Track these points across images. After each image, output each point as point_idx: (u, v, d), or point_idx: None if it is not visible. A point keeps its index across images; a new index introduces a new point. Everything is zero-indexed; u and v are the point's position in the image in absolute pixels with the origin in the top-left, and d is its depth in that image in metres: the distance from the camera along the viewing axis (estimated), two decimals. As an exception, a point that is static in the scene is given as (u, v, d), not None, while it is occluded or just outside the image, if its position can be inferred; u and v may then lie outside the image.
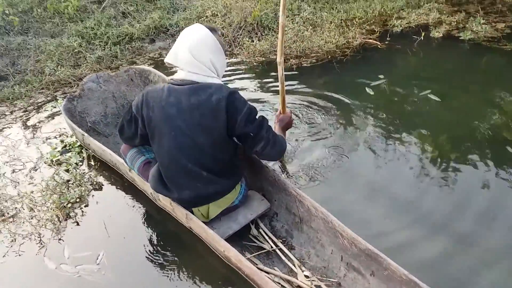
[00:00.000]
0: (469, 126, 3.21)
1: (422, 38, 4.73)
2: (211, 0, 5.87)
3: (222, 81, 2.15)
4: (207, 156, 2.11)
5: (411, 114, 3.43)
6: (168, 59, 2.10)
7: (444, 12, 5.39)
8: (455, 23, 5.01)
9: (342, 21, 5.35)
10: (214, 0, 5.83)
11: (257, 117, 2.13)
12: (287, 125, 2.61)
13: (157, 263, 2.33)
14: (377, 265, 1.98)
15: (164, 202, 2.45)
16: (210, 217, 2.31)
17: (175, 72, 2.13)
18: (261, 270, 2.12)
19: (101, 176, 2.99)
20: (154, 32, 5.51)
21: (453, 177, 2.73)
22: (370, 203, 2.58)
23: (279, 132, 2.49)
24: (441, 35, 4.79)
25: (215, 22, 5.36)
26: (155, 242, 2.47)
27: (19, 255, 2.44)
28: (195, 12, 5.66)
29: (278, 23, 5.17)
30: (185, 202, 2.26)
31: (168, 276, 2.25)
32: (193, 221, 2.29)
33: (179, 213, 2.36)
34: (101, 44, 5.20)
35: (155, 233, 2.54)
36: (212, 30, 2.10)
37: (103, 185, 2.93)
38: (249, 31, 5.21)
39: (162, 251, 2.40)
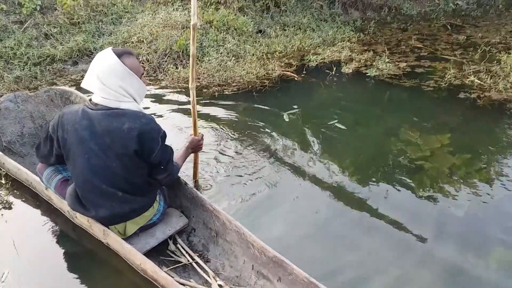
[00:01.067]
0: (370, 151, 3.52)
1: (334, 73, 5.11)
2: (138, 26, 5.92)
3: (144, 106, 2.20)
4: (120, 178, 2.13)
5: (320, 140, 3.66)
6: (83, 85, 2.10)
7: (355, 50, 5.86)
8: (363, 60, 5.46)
9: (264, 54, 5.64)
10: (140, 27, 5.88)
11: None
12: (196, 147, 2.68)
13: (71, 280, 2.29)
14: (283, 271, 2.13)
15: (81, 219, 2.43)
16: (127, 234, 2.33)
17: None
18: (177, 282, 2.17)
19: (13, 196, 2.89)
20: (77, 55, 5.45)
21: (357, 197, 2.95)
22: (279, 223, 2.72)
23: (184, 153, 2.58)
24: (351, 71, 5.20)
25: (141, 48, 5.42)
26: (70, 260, 2.43)
27: None
28: (121, 37, 5.68)
29: (202, 52, 5.39)
30: (102, 221, 2.27)
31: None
32: (110, 237, 2.29)
33: (96, 229, 2.36)
34: (20, 64, 5.05)
35: (70, 251, 2.50)
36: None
37: (14, 204, 2.83)
38: (174, 59, 5.32)
39: (77, 268, 2.36)
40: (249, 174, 3.15)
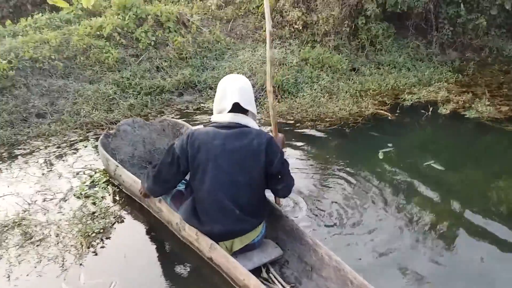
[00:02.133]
0: (467, 195, 3.38)
1: (430, 113, 4.98)
2: (238, 62, 6.25)
3: None
4: (243, 194, 2.35)
5: (417, 180, 3.56)
6: (221, 104, 2.38)
7: (453, 91, 5.67)
8: (462, 102, 5.26)
9: (357, 91, 5.66)
10: (241, 63, 6.21)
11: (285, 162, 2.43)
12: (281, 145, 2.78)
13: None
14: None
15: (189, 231, 2.59)
16: (233, 250, 2.47)
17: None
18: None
19: (125, 210, 3.18)
20: (183, 87, 5.88)
21: (451, 244, 2.85)
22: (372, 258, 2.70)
23: None
24: (448, 112, 5.04)
25: (240, 82, 5.70)
26: (173, 273, 2.61)
27: (41, 276, 2.59)
28: (223, 72, 6.02)
29: (297, 88, 5.54)
30: (214, 236, 2.43)
31: None
32: (216, 251, 2.42)
33: (204, 243, 2.49)
34: (134, 93, 5.55)
35: (173, 265, 2.68)
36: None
37: (125, 218, 3.10)
38: (270, 93, 5.52)
39: (180, 282, 2.54)
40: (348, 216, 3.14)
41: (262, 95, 5.49)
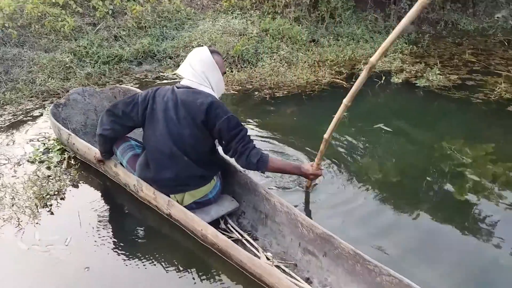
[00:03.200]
0: (413, 156, 3.61)
1: (383, 82, 5.17)
2: (198, 32, 6.23)
3: None
4: (189, 144, 2.50)
5: (365, 142, 3.79)
6: (177, 71, 2.62)
7: (407, 62, 5.88)
8: (414, 72, 5.48)
9: (315, 61, 5.79)
10: (201, 33, 6.19)
11: (235, 128, 2.49)
12: (307, 175, 2.77)
13: (130, 248, 2.55)
14: (330, 246, 2.33)
15: (147, 192, 2.72)
16: (184, 204, 2.61)
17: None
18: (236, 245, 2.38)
19: (81, 175, 3.20)
20: (142, 56, 5.84)
21: (395, 195, 3.07)
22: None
23: (292, 165, 2.77)
24: (400, 80, 5.24)
25: (200, 52, 5.72)
26: (131, 231, 2.71)
27: (-3, 236, 2.63)
28: (183, 41, 6.01)
29: (257, 58, 5.62)
30: (164, 185, 2.60)
31: (137, 258, 2.47)
32: (174, 207, 2.58)
33: (161, 200, 2.64)
34: (91, 62, 5.48)
35: (132, 223, 2.79)
36: (216, 52, 2.60)
37: (81, 182, 3.14)
38: (230, 63, 5.58)
39: (138, 239, 2.65)
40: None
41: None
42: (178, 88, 2.55)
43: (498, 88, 4.84)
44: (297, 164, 2.80)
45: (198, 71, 2.51)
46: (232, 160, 2.78)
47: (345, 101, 2.59)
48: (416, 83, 5.13)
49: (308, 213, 2.87)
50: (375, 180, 3.23)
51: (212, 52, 2.57)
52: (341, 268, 2.29)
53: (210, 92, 2.53)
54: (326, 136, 2.66)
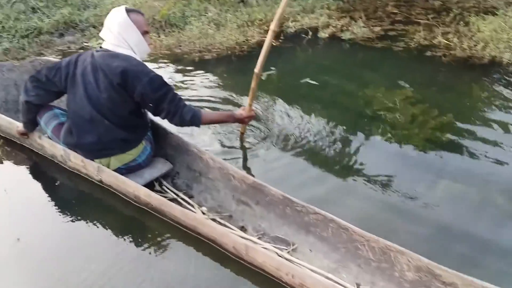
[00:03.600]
0: (338, 104, 3.80)
1: (310, 37, 5.27)
2: (122, 0, 6.03)
3: None
4: (108, 108, 2.46)
5: (294, 95, 3.92)
6: (100, 34, 2.54)
7: (333, 17, 5.98)
8: (340, 26, 5.58)
9: (244, 22, 5.76)
10: (125, 0, 6.00)
11: (160, 89, 2.45)
12: (241, 121, 2.84)
13: (60, 217, 2.53)
14: (261, 194, 2.44)
15: (75, 160, 2.68)
16: (111, 168, 2.59)
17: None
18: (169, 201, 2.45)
19: (4, 151, 3.07)
20: (63, 27, 5.58)
21: (323, 142, 3.23)
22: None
23: (223, 114, 2.89)
24: (327, 35, 5.34)
25: (125, 19, 5.54)
26: (63, 203, 2.65)
27: None
28: (106, 9, 5.78)
29: (184, 22, 5.53)
30: (88, 149, 2.58)
31: (70, 227, 2.46)
32: (104, 172, 2.57)
33: (90, 167, 2.61)
34: (9, 36, 5.19)
35: (63, 195, 2.75)
36: (134, 11, 2.49)
37: (5, 158, 3.02)
38: (157, 28, 5.46)
39: (71, 210, 2.59)
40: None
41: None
42: (97, 51, 2.49)
43: (418, 36, 5.07)
44: (229, 113, 2.87)
45: (115, 33, 2.43)
46: (162, 123, 2.79)
47: (256, 70, 2.68)
48: (342, 37, 5.26)
49: (244, 168, 2.95)
50: (305, 131, 3.36)
51: (129, 11, 2.45)
52: (272, 214, 2.40)
53: (130, 53, 2.45)
54: (256, 70, 2.70)
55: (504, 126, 3.39)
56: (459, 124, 3.40)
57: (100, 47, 2.52)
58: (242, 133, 3.15)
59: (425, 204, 2.59)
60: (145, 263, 2.21)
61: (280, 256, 2.13)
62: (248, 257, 2.05)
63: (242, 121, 2.82)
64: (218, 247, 2.19)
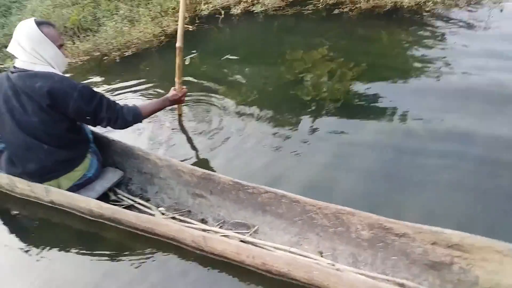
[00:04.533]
0: (261, 74, 3.72)
1: (224, 16, 5.08)
2: (28, 13, 5.52)
3: None
4: (41, 132, 2.21)
5: (218, 73, 3.81)
6: (8, 49, 2.20)
7: (243, -8, 5.81)
8: (250, 0, 5.41)
9: (158, 13, 5.45)
10: (31, 13, 5.49)
11: (93, 99, 2.22)
12: (177, 100, 2.71)
13: (17, 246, 2.29)
14: (212, 183, 2.32)
15: (22, 186, 2.41)
16: (63, 189, 2.35)
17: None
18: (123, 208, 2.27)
19: None
20: (-28, 52, 5.04)
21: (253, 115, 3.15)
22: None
23: (159, 102, 2.61)
24: (239, 11, 5.15)
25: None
26: (15, 231, 2.41)
27: None
28: (13, 27, 5.25)
29: (98, 24, 5.15)
30: (34, 176, 2.32)
31: (30, 253, 2.24)
32: (52, 193, 2.32)
33: (38, 190, 2.36)
34: None
35: (17, 222, 2.49)
36: (45, 23, 2.20)
37: None
38: (70, 36, 5.05)
39: (22, 236, 2.37)
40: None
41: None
42: (12, 73, 2.18)
43: (324, -4, 5.04)
44: (163, 97, 2.66)
45: (28, 49, 2.12)
46: (103, 131, 2.62)
47: (178, 44, 2.58)
48: (254, 10, 5.10)
49: (188, 156, 2.82)
50: (236, 104, 3.29)
51: (39, 24, 2.15)
52: (227, 201, 2.30)
53: (48, 69, 2.18)
54: (178, 44, 2.56)
55: (412, 64, 3.51)
56: (374, 71, 3.46)
57: (14, 67, 2.21)
58: (180, 115, 3.00)
59: (354, 153, 2.62)
60: (107, 273, 2.05)
61: (242, 240, 2.05)
62: (208, 248, 1.95)
63: (178, 100, 2.69)
64: (178, 244, 2.07)
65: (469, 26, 3.99)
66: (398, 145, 2.62)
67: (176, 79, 2.65)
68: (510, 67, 3.21)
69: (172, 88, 2.70)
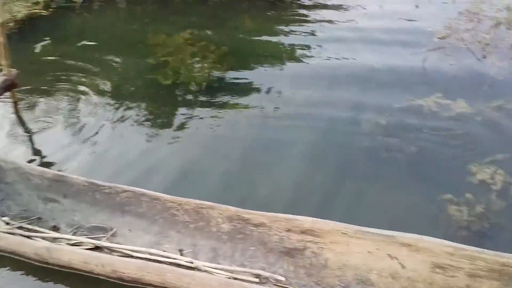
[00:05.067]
0: (122, 58, 3.57)
1: (83, 2, 4.65)
2: None
3: None
4: None
5: (75, 59, 3.53)
6: None
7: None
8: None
9: (5, -1, 4.82)
10: None
11: None
12: (9, 83, 2.49)
13: None
14: (66, 185, 2.09)
15: None
16: None
17: None
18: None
19: None
20: None
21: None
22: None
23: None
24: (101, -2, 4.83)
25: None
26: None
27: None
28: None
29: None
30: None
31: None
32: None
33: None
34: None
35: None
36: None
37: None
38: None
39: None
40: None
41: None
42: None
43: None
44: None
45: None
46: None
47: None
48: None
49: (35, 156, 2.56)
50: (91, 91, 3.11)
51: None
52: (83, 203, 2.10)
53: None
54: None
55: (271, 47, 3.63)
56: (236, 54, 3.48)
57: None
58: (15, 102, 2.67)
59: (216, 137, 2.63)
60: None
61: (98, 246, 1.88)
62: (54, 260, 1.76)
63: (11, 85, 2.49)
64: (20, 258, 1.83)
65: (333, 8, 4.24)
66: (257, 125, 2.70)
67: (3, 62, 2.33)
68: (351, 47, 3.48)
69: (0, 73, 2.42)
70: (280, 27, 3.93)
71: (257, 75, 3.20)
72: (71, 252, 1.71)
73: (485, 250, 1.46)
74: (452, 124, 2.54)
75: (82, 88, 3.11)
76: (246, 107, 2.84)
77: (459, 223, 1.93)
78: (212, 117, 2.77)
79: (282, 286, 1.65)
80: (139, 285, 1.65)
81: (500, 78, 2.91)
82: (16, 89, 2.63)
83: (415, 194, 2.10)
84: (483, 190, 2.08)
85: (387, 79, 3.01)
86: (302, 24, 3.99)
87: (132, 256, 1.83)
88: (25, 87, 2.99)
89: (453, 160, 2.30)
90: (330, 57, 3.36)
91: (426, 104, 2.70)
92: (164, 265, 1.63)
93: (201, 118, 2.77)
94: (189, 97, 3.00)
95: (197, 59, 3.40)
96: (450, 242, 1.50)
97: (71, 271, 1.75)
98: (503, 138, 2.41)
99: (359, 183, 2.19)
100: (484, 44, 3.27)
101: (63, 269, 1.76)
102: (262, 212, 1.73)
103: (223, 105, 2.87)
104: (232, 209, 1.78)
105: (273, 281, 1.66)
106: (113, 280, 1.68)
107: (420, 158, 2.33)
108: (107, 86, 3.14)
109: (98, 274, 1.70)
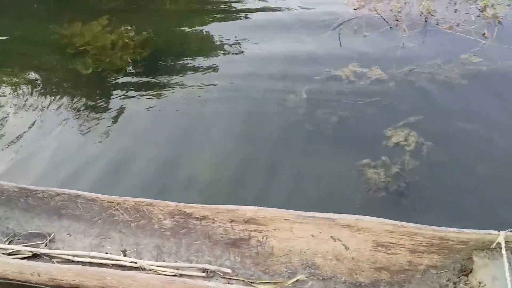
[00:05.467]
0: (41, 50, 3.47)
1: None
2: None
3: None
4: None
5: None
6: None
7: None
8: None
9: None
10: None
11: None
12: None
13: None
14: None
15: None
16: None
17: None
18: None
19: None
20: None
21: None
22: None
23: None
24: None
25: None
26: None
27: None
28: None
29: None
30: None
31: None
32: None
33: None
34: None
35: None
36: None
37: None
38: None
39: None
40: None
41: None
42: None
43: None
44: None
45: None
46: None
47: None
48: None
49: None
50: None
51: None
52: (16, 210, 1.96)
53: None
54: None
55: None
56: (157, 38, 3.46)
57: None
58: None
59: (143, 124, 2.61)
60: None
61: (36, 253, 1.77)
62: (-16, 273, 1.62)
63: None
64: None
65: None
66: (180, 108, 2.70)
67: None
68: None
69: None
70: (204, 7, 3.94)
71: (182, 57, 3.19)
72: (4, 263, 1.58)
73: (423, 226, 1.48)
74: (368, 91, 2.62)
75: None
76: (170, 87, 2.85)
77: (377, 185, 2.01)
78: (137, 100, 2.77)
79: (229, 278, 1.62)
80: (80, 291, 1.55)
81: (412, 44, 3.00)
82: None
83: (337, 162, 2.17)
84: (398, 152, 2.18)
85: (305, 53, 3.06)
86: (224, 3, 3.97)
87: (73, 261, 1.73)
88: None
89: (370, 126, 2.38)
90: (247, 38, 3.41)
91: (343, 74, 2.76)
92: (104, 269, 1.54)
93: (126, 104, 2.75)
94: (112, 83, 2.94)
95: (116, 46, 3.34)
96: (390, 220, 1.51)
97: (8, 281, 1.62)
98: (415, 101, 2.51)
99: (290, 157, 2.24)
100: (396, 12, 3.36)
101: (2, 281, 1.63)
102: (203, 205, 1.67)
103: (149, 88, 2.86)
104: (173, 204, 1.71)
105: (220, 274, 1.62)
106: (52, 289, 1.58)
107: (340, 126, 2.39)
108: (21, 77, 3.07)
109: (35, 284, 1.59)
